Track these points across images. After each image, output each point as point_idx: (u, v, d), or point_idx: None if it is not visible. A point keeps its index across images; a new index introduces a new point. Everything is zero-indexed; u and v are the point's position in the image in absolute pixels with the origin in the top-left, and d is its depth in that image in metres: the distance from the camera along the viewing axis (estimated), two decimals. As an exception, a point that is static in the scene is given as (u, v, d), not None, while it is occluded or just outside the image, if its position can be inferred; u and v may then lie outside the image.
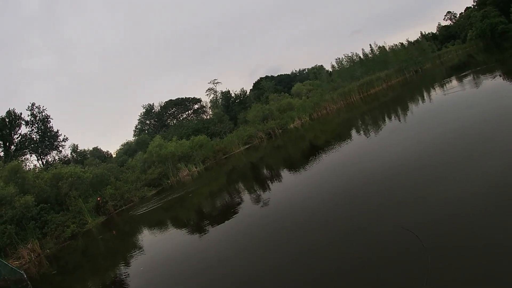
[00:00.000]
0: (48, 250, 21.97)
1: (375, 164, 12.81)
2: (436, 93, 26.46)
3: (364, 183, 11.09)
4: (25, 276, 15.91)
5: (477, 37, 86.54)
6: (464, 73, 32.67)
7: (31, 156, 51.41)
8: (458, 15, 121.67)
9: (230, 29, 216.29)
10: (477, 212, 6.50)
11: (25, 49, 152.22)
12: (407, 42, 77.65)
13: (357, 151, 16.73)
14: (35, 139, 51.64)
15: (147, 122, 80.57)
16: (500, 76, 22.54)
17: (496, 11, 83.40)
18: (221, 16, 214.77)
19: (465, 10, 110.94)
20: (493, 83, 20.40)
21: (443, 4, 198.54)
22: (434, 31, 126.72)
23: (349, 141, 20.60)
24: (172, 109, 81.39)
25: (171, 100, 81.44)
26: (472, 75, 28.51)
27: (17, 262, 19.81)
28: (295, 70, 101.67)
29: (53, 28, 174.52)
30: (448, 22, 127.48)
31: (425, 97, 26.66)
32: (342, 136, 23.45)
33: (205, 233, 12.71)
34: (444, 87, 27.81)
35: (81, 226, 25.63)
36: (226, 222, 13.08)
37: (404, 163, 11.39)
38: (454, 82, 28.78)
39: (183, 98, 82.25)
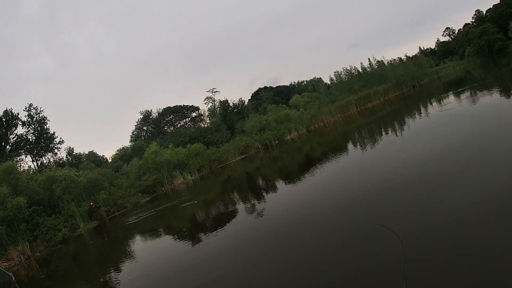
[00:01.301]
0: (38, 253, 21.76)
1: (371, 176, 12.90)
2: (433, 108, 26.65)
3: (359, 194, 11.16)
4: (14, 278, 15.72)
5: (475, 53, 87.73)
6: (461, 89, 32.99)
7: (26, 157, 51.23)
8: (456, 31, 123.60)
9: (230, 40, 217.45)
10: (471, 222, 6.61)
11: (25, 51, 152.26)
12: (405, 57, 78.43)
13: (353, 164, 16.79)
14: (31, 140, 51.43)
15: (144, 128, 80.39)
16: (496, 92, 22.81)
17: (494, 28, 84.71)
18: (222, 27, 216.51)
19: (463, 27, 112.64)
20: (490, 99, 20.70)
21: (442, 20, 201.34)
22: (433, 46, 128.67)
23: (345, 153, 20.67)
24: (169, 116, 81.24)
25: (169, 107, 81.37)
26: (469, 91, 28.80)
27: (6, 264, 19.58)
28: (294, 82, 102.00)
29: (53, 33, 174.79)
30: (446, 38, 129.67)
31: (422, 112, 26.83)
32: (339, 148, 23.51)
33: (198, 243, 12.65)
34: (441, 102, 28.09)
35: (72, 230, 25.45)
36: (220, 232, 12.99)
37: (400, 176, 11.53)
38: (451, 97, 29.05)
39: (181, 105, 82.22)
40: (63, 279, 14.59)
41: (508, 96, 19.81)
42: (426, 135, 17.01)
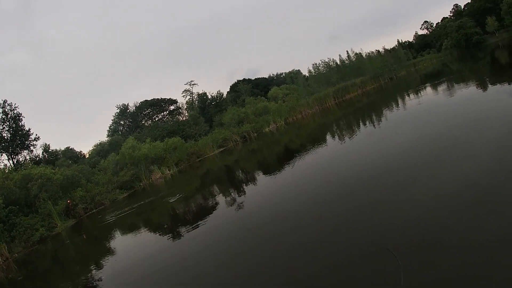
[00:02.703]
0: (16, 254, 21.57)
1: (348, 168, 13.38)
2: (410, 99, 27.37)
3: (337, 186, 11.62)
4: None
5: (452, 46, 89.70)
6: (438, 81, 33.79)
7: (1, 155, 50.02)
8: (434, 25, 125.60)
9: (209, 31, 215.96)
10: (450, 213, 6.88)
11: None
12: (383, 50, 79.64)
13: (330, 156, 17.28)
14: (5, 137, 50.28)
15: (121, 122, 79.53)
16: (472, 84, 23.60)
17: (471, 22, 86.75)
18: (201, 19, 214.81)
19: (441, 20, 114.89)
20: (466, 91, 21.38)
21: (421, 14, 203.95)
22: (411, 39, 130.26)
23: (323, 145, 21.16)
24: (147, 110, 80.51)
25: (147, 100, 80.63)
26: (445, 83, 29.58)
27: (-17, 267, 19.39)
28: (273, 74, 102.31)
29: (29, 25, 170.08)
30: (424, 31, 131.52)
31: (398, 104, 27.54)
32: (317, 140, 23.97)
33: (178, 239, 12.79)
34: (418, 94, 28.78)
35: (50, 229, 25.23)
36: (200, 227, 13.16)
37: (378, 166, 11.96)
38: (428, 89, 29.80)
39: (158, 99, 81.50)
40: (42, 279, 14.59)
41: (484, 89, 20.51)
42: (401, 127, 17.66)
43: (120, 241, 16.39)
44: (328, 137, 23.78)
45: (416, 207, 7.67)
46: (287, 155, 22.85)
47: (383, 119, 22.59)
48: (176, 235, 13.31)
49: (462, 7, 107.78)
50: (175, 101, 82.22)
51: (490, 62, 41.50)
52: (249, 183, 18.88)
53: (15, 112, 51.44)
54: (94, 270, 12.82)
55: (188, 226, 13.92)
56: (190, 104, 77.51)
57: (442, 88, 27.24)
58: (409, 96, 30.24)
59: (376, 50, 78.91)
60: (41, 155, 52.04)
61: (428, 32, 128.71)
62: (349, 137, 20.40)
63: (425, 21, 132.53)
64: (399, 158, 11.94)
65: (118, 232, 18.65)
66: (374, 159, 13.10)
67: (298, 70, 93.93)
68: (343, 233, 7.91)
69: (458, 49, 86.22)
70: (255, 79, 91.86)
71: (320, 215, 9.62)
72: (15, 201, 27.31)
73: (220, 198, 17.22)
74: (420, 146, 12.43)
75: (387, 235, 6.89)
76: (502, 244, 5.32)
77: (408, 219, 7.24)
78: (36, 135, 52.82)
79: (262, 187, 16.54)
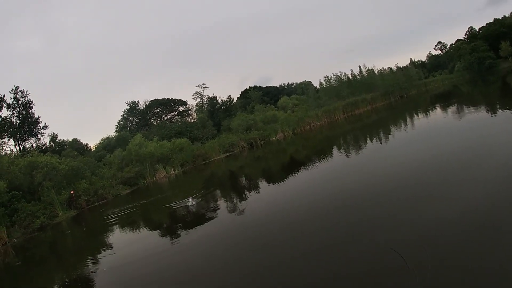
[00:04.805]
0: (15, 239, 21.63)
1: (353, 182, 13.39)
2: (419, 119, 27.26)
3: (340, 199, 11.63)
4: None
5: (464, 69, 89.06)
6: (447, 102, 33.71)
7: (8, 140, 50.21)
8: (448, 46, 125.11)
9: (224, 35, 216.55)
10: (457, 233, 6.90)
11: (16, 28, 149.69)
12: (395, 67, 79.53)
13: (335, 169, 17.28)
14: (15, 123, 50.54)
15: (130, 119, 79.78)
16: (483, 108, 23.55)
17: (485, 46, 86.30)
18: (216, 21, 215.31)
19: (455, 42, 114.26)
20: (476, 115, 21.30)
21: (435, 34, 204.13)
22: (424, 59, 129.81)
23: (329, 158, 21.16)
24: (156, 109, 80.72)
25: (157, 99, 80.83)
26: (455, 105, 29.45)
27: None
28: (284, 84, 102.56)
29: (44, 12, 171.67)
30: (438, 52, 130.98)
31: (407, 122, 27.42)
32: (323, 152, 23.96)
33: (178, 240, 12.74)
34: (427, 114, 28.70)
35: (51, 218, 25.28)
36: (200, 230, 13.14)
37: (383, 182, 11.96)
38: (438, 110, 29.76)
39: (169, 99, 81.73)
40: (39, 267, 14.60)
41: (493, 113, 20.43)
42: (408, 146, 17.57)
43: (119, 237, 16.34)
44: (335, 150, 23.76)
45: (422, 225, 7.63)
46: (292, 165, 22.85)
47: (390, 137, 22.57)
48: (175, 237, 13.25)
49: (477, 30, 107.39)
50: (185, 103, 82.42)
51: (501, 86, 41.39)
52: (252, 190, 18.83)
53: (26, 99, 51.77)
54: (90, 263, 12.83)
55: (187, 228, 13.92)
56: (200, 106, 77.59)
57: (451, 110, 27.20)
58: (418, 115, 30.20)
59: (389, 67, 79.08)
60: (48, 144, 52.26)
61: (441, 53, 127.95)
62: (355, 152, 20.40)
63: (439, 42, 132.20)
64: (403, 177, 11.91)
65: (118, 228, 18.55)
66: (378, 176, 13.07)
67: (309, 81, 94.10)
68: (341, 246, 7.89)
69: (470, 72, 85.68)
70: (266, 87, 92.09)
71: (321, 226, 9.60)
72: (18, 186, 27.41)
73: (222, 203, 17.17)
74: (425, 167, 12.39)
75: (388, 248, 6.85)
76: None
77: (412, 237, 7.19)
78: (45, 123, 53.05)
79: (265, 194, 16.51)
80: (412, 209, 8.81)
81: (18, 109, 51.02)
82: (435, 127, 20.95)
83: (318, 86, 75.91)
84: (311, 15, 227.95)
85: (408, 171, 12.47)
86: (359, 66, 71.70)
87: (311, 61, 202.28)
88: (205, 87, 78.48)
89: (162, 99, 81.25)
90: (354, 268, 6.75)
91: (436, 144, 15.74)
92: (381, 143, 21.05)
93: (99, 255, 13.38)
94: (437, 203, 8.68)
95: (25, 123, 51.06)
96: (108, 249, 14.14)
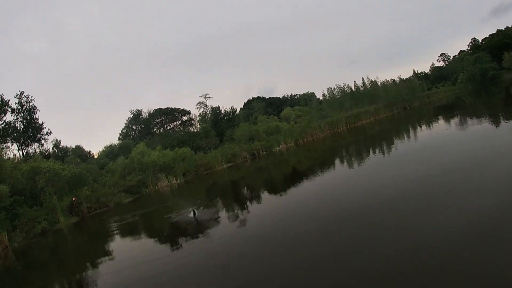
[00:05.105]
0: (16, 244, 21.63)
1: (355, 193, 13.38)
2: (421, 131, 27.31)
3: (342, 209, 11.57)
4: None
5: (467, 80, 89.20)
6: (450, 114, 33.76)
7: (12, 145, 50.59)
8: (451, 58, 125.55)
9: (228, 45, 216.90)
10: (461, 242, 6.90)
11: (21, 30, 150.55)
12: (398, 79, 79.93)
13: (338, 179, 17.32)
14: (19, 128, 50.91)
15: (134, 127, 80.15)
16: (485, 120, 23.63)
17: (488, 57, 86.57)
18: (221, 31, 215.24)
19: (458, 53, 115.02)
20: (478, 126, 21.32)
21: (439, 46, 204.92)
22: (427, 70, 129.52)
23: (331, 169, 21.17)
24: (160, 118, 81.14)
25: (161, 108, 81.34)
26: (458, 117, 29.54)
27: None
28: (287, 95, 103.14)
29: (49, 13, 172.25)
30: (441, 63, 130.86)
31: (410, 134, 27.45)
32: (325, 163, 24.01)
33: (178, 248, 12.76)
34: (430, 125, 28.77)
35: (52, 224, 25.30)
36: (200, 238, 13.13)
37: (385, 193, 11.95)
38: (441, 121, 29.78)
39: (172, 108, 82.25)
40: (39, 271, 14.57)
41: (496, 125, 20.47)
42: (410, 158, 17.54)
43: (119, 245, 16.32)
44: (337, 161, 23.77)
45: (418, 236, 7.66)
46: (295, 176, 22.84)
47: (393, 148, 22.60)
48: (175, 246, 13.22)
49: (480, 41, 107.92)
50: (188, 112, 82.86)
51: (504, 97, 41.45)
52: (254, 200, 18.72)
53: (30, 105, 52.20)
54: (90, 269, 12.84)
55: (188, 238, 13.85)
56: (203, 116, 77.93)
57: (454, 121, 27.26)
58: (421, 127, 30.27)
59: (392, 79, 79.42)
60: (51, 150, 52.54)
61: (444, 65, 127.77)
62: (358, 163, 20.39)
63: (442, 53, 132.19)
64: (405, 187, 11.93)
65: (119, 235, 18.57)
66: (380, 187, 13.06)
67: (313, 93, 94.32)
68: (343, 257, 7.90)
69: (473, 83, 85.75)
70: (269, 98, 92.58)
71: (322, 236, 9.60)
72: (21, 191, 27.49)
73: (223, 213, 17.06)
74: (427, 177, 12.41)
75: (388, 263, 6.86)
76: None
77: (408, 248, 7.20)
78: (49, 129, 53.55)
79: (266, 205, 16.45)
80: (414, 219, 8.81)
81: (22, 114, 51.45)
82: (438, 139, 20.95)
83: (321, 98, 76.20)
84: (314, 25, 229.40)
85: (410, 182, 12.47)
86: (362, 78, 72.23)
87: (314, 72, 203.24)
88: (208, 97, 79.09)
89: (165, 108, 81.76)
90: (355, 278, 6.74)
91: (439, 154, 15.75)
92: (384, 154, 21.06)
93: (98, 261, 13.37)
94: (439, 213, 8.68)
95: (29, 128, 51.41)
96: (108, 256, 14.12)
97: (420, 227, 8.19)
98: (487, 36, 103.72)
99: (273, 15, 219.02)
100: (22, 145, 51.08)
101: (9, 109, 50.54)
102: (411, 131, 29.08)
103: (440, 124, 27.52)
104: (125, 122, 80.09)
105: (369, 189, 13.14)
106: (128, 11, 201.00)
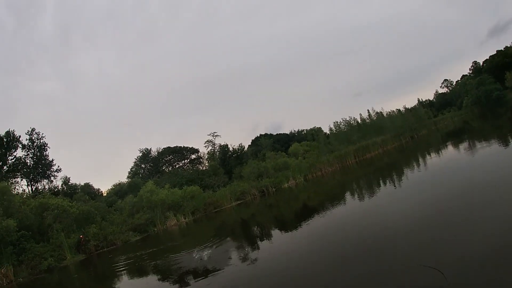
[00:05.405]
0: (21, 279, 21.28)
1: (369, 225, 13.12)
2: (431, 159, 27.11)
3: (356, 244, 11.30)
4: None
5: (472, 104, 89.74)
6: (459, 140, 33.63)
7: (21, 180, 50.84)
8: (454, 83, 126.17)
9: (235, 83, 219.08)
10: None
11: (35, 71, 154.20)
12: (403, 108, 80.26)
13: (349, 213, 17.02)
14: (28, 164, 51.30)
15: (143, 166, 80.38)
16: (495, 142, 23.58)
17: (491, 78, 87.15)
18: (228, 70, 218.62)
19: (461, 78, 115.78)
20: (489, 149, 21.12)
21: (441, 72, 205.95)
22: (431, 97, 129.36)
23: (342, 203, 20.81)
24: (169, 156, 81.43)
25: (169, 147, 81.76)
26: (467, 142, 29.36)
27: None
28: (294, 130, 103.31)
29: (64, 56, 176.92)
30: (444, 90, 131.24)
31: (419, 163, 27.23)
32: (336, 198, 23.61)
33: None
34: (439, 153, 28.56)
35: (59, 260, 24.91)
36: (209, 278, 12.70)
37: (399, 225, 11.68)
38: (450, 148, 29.60)
39: (181, 146, 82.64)
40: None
41: (506, 146, 20.27)
42: (421, 188, 17.39)
43: (125, 284, 15.90)
44: (348, 195, 23.41)
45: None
46: (305, 212, 22.43)
47: (404, 178, 22.38)
48: (183, 286, 12.84)
49: (481, 63, 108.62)
50: (196, 150, 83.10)
51: (511, 117, 41.27)
52: (264, 238, 18.30)
53: (41, 141, 52.83)
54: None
55: (196, 279, 13.34)
56: (211, 154, 78.10)
57: (464, 147, 27.18)
58: (430, 155, 30.05)
59: (397, 109, 79.83)
60: (60, 187, 52.63)
61: (448, 90, 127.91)
62: (369, 197, 20.08)
63: (445, 80, 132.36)
64: (421, 216, 11.73)
65: (125, 274, 18.09)
66: (394, 219, 12.81)
67: (319, 127, 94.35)
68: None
69: (479, 106, 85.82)
70: (276, 134, 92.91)
71: (336, 273, 9.39)
72: (28, 226, 27.25)
73: (233, 253, 16.51)
74: (441, 206, 12.20)
75: None
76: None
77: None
78: (58, 166, 53.84)
79: (277, 243, 16.03)
80: (431, 249, 8.55)
81: (32, 151, 52.02)
82: (448, 166, 20.89)
83: (328, 132, 76.33)
84: (318, 62, 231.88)
85: (425, 211, 12.20)
86: (368, 110, 72.50)
87: (320, 106, 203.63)
88: (216, 135, 79.45)
89: (174, 146, 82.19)
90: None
91: (449, 183, 15.61)
92: (395, 185, 20.81)
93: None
94: (458, 242, 8.48)
95: (39, 164, 51.82)
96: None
97: (438, 258, 7.89)
98: (488, 58, 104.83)
99: (279, 54, 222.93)
100: (32, 181, 51.30)
101: (20, 145, 51.16)
102: (421, 160, 28.85)
103: (450, 151, 27.61)
104: (134, 160, 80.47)
105: (382, 222, 12.90)
106: (137, 54, 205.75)
